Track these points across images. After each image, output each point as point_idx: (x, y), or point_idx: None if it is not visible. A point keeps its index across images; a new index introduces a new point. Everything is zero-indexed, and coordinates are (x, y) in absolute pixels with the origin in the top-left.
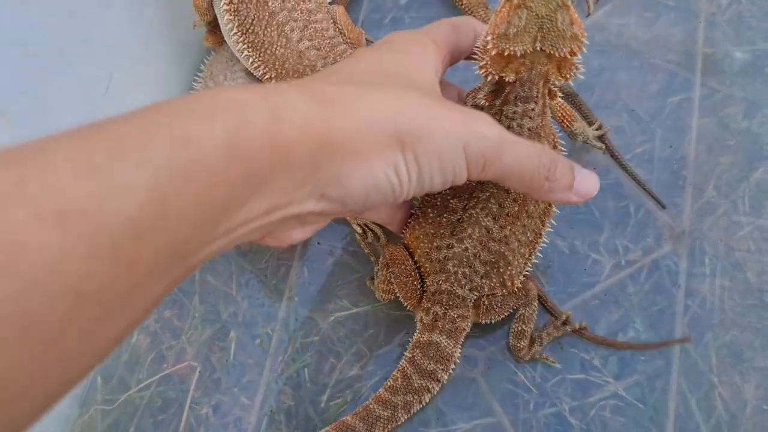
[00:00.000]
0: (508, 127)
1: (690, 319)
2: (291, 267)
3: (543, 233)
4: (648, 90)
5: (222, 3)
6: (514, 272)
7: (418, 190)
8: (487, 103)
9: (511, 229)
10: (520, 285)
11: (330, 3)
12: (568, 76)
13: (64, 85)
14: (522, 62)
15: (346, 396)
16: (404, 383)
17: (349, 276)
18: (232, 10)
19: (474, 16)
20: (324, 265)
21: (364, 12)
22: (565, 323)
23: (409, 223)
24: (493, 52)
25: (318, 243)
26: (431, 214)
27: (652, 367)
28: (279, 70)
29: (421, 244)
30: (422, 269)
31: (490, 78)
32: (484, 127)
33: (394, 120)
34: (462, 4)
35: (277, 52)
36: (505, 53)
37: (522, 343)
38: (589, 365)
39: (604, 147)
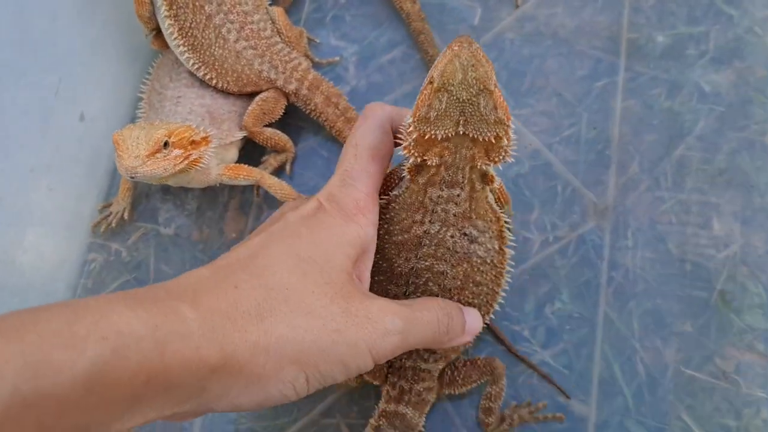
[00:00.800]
0: (433, 212)
1: (614, 289)
2: None
3: (499, 291)
4: (575, 75)
5: (163, 9)
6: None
7: (318, 389)
8: (411, 180)
9: (460, 297)
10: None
11: (270, 4)
12: (497, 159)
13: (16, 94)
14: (445, 146)
15: None
16: None
17: None
18: (171, 15)
19: (411, 25)
20: None
21: (306, 12)
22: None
23: None
24: (415, 135)
25: None
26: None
27: (577, 335)
28: (219, 70)
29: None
30: None
31: (412, 160)
32: (388, 324)
33: (295, 345)
34: (404, 12)
35: (215, 53)
36: (426, 137)
37: (490, 419)
38: (519, 336)
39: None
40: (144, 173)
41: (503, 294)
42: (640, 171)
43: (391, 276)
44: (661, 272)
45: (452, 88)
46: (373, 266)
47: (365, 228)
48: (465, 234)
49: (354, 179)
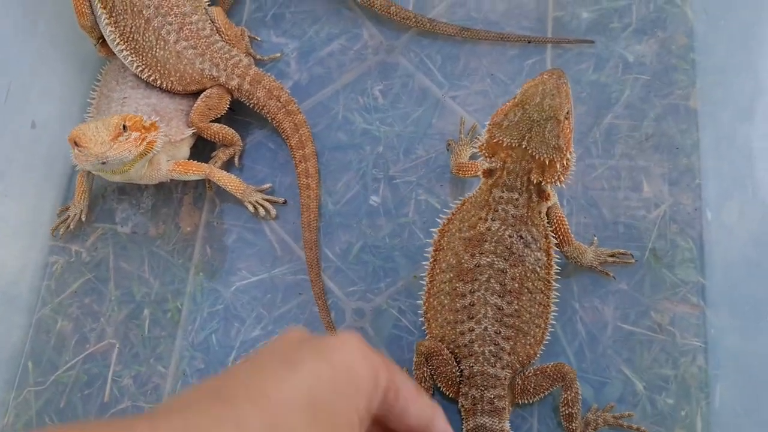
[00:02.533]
0: (495, 210)
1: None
2: (195, 247)
3: (551, 303)
4: (506, 55)
5: (103, 18)
6: (533, 341)
7: None
8: (483, 178)
9: (519, 303)
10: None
11: (209, 5)
12: (549, 180)
13: None
14: (509, 153)
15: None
16: None
17: (248, 249)
18: (112, 22)
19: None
20: (225, 242)
21: (247, 12)
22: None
23: (428, 314)
24: (487, 136)
25: (215, 224)
26: (446, 302)
27: None
28: (162, 71)
29: (447, 332)
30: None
31: (485, 163)
32: None
33: None
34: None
35: (157, 54)
36: (495, 140)
37: (574, 425)
38: None
39: (611, 275)
40: (113, 156)
41: (556, 322)
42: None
43: (459, 272)
44: (596, 235)
45: (528, 107)
46: (444, 264)
47: None
48: (521, 236)
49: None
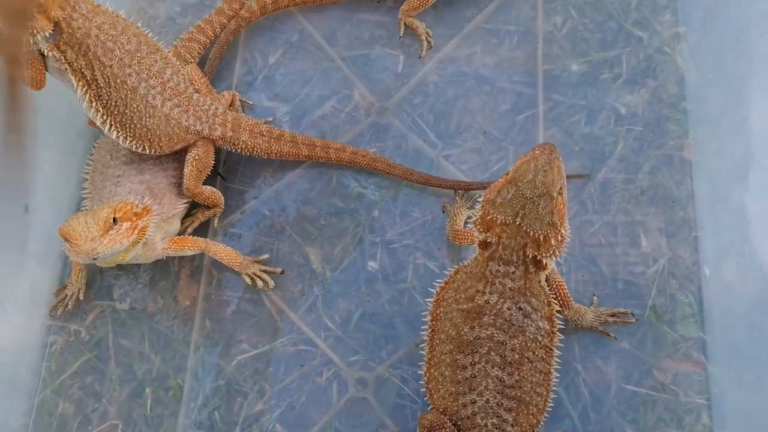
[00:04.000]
0: (492, 283)
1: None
2: (195, 320)
3: (552, 370)
4: (499, 110)
5: (84, 95)
6: (536, 410)
7: None
8: (478, 249)
9: (519, 374)
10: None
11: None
12: (545, 254)
13: None
14: (504, 229)
15: (254, 430)
16: None
17: (248, 321)
18: (94, 97)
19: None
20: (224, 315)
21: (237, 75)
22: None
23: (429, 385)
24: (480, 212)
25: (214, 296)
26: (447, 373)
27: None
28: (151, 139)
29: (449, 404)
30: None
31: (480, 236)
32: None
33: None
34: None
35: (147, 123)
36: (488, 217)
37: None
38: None
39: (612, 336)
40: (104, 251)
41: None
42: (568, 197)
43: (459, 344)
44: (595, 292)
45: (521, 184)
46: (443, 335)
47: None
48: (520, 308)
49: None
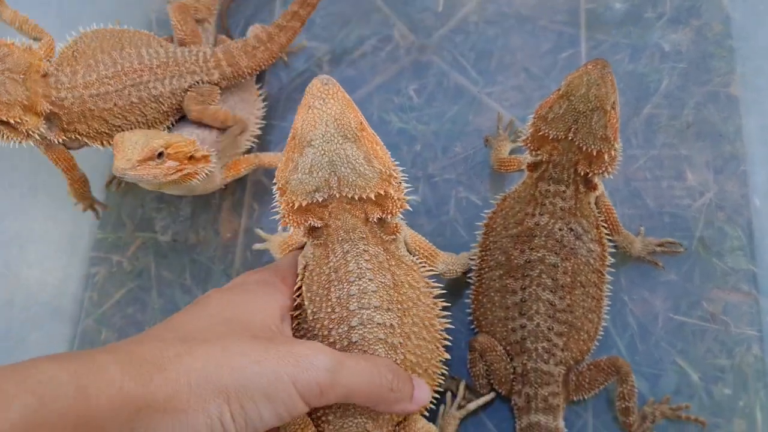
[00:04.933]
0: (542, 204)
1: None
2: (235, 253)
3: (604, 297)
4: (540, 50)
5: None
6: (586, 337)
7: (249, 429)
8: (527, 172)
9: (571, 298)
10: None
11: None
12: (596, 171)
13: None
14: (555, 146)
15: None
16: None
17: None
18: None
19: None
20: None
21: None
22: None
23: (477, 312)
24: (531, 129)
25: (254, 229)
26: (496, 299)
27: None
28: (175, 115)
29: (497, 330)
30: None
31: (530, 158)
32: (312, 358)
33: (216, 375)
34: None
35: (163, 109)
36: (540, 133)
37: (631, 418)
38: None
39: (661, 265)
40: (132, 177)
41: (607, 316)
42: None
43: (509, 269)
44: (639, 227)
45: (573, 98)
46: (493, 261)
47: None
48: (571, 229)
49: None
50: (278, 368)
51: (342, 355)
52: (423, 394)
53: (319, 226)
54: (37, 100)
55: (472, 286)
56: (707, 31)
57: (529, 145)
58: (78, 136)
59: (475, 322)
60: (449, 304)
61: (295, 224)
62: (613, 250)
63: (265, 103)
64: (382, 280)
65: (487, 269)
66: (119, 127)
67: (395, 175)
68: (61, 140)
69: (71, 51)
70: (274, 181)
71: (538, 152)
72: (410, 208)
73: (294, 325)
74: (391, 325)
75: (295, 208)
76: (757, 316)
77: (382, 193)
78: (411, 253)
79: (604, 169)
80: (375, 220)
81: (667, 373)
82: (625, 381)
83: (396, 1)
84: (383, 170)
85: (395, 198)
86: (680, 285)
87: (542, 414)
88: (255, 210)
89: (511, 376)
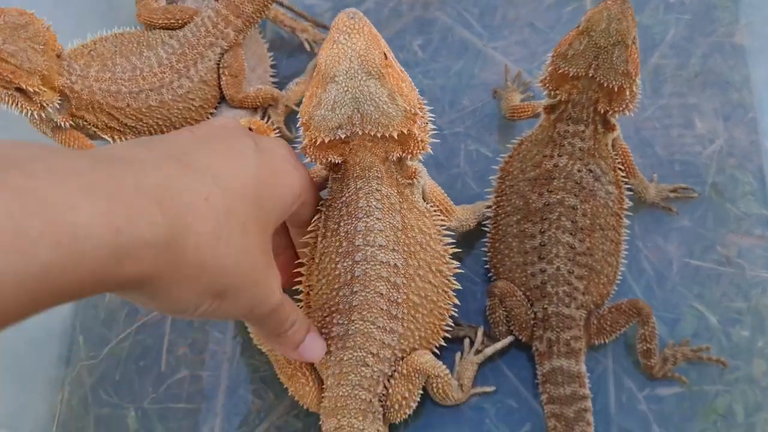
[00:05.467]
0: (561, 145)
1: None
2: None
3: (622, 241)
4: (544, 4)
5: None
6: (606, 281)
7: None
8: (544, 114)
9: (590, 241)
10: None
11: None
12: (617, 109)
13: None
14: (575, 84)
15: None
16: (563, 424)
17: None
18: (134, 136)
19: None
20: None
21: None
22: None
23: (494, 260)
24: (550, 68)
25: None
26: (514, 244)
27: None
28: (204, 109)
29: (516, 275)
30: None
31: (546, 93)
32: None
33: None
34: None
35: (191, 105)
36: (560, 71)
37: (652, 361)
38: None
39: (675, 210)
40: None
41: (624, 261)
42: None
43: (527, 213)
44: (652, 174)
45: (594, 33)
46: (510, 207)
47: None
48: (590, 170)
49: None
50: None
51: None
52: (313, 353)
53: (339, 162)
54: (53, 74)
55: (488, 234)
56: None
57: (547, 85)
58: (85, 124)
59: (492, 270)
60: (460, 251)
61: (316, 159)
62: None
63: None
64: (391, 221)
65: (503, 215)
66: (133, 127)
67: (421, 114)
68: (68, 124)
69: (88, 50)
70: (298, 115)
71: (557, 92)
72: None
73: (305, 257)
74: (395, 264)
75: (318, 143)
76: None
77: (406, 132)
78: (426, 200)
79: (624, 106)
80: (395, 159)
81: (685, 317)
82: (646, 323)
83: None
84: (408, 108)
85: (418, 138)
86: (694, 230)
87: (564, 358)
88: None
89: (532, 322)
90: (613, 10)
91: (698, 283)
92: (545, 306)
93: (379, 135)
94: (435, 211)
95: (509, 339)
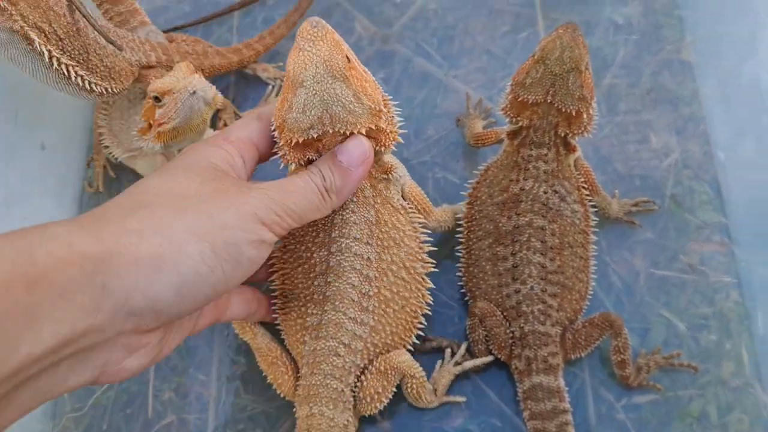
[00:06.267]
0: (525, 169)
1: None
2: None
3: (590, 257)
4: (499, 32)
5: (43, 48)
6: (578, 296)
7: (234, 267)
8: (507, 140)
9: (561, 259)
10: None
11: None
12: (576, 131)
13: None
14: (535, 110)
15: None
16: None
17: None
18: (56, 51)
19: None
20: None
21: (236, 19)
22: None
23: (469, 284)
24: (510, 97)
25: None
26: (487, 267)
27: None
28: (114, 78)
29: (492, 297)
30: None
31: (509, 126)
32: (266, 191)
33: (181, 219)
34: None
35: (107, 63)
36: (519, 99)
37: (627, 371)
38: None
39: (638, 224)
40: (201, 85)
41: (593, 277)
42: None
43: (497, 236)
44: (613, 190)
45: (549, 62)
46: (481, 231)
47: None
48: (555, 191)
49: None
50: (240, 198)
51: (280, 183)
52: (354, 154)
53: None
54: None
55: (462, 259)
56: (655, 2)
57: (508, 112)
58: (18, 17)
59: (468, 294)
60: (436, 249)
61: (295, 160)
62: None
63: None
64: (365, 215)
65: (475, 239)
66: (61, 39)
67: (385, 109)
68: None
69: None
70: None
71: (519, 118)
72: (402, 141)
73: (281, 246)
74: (368, 257)
75: (293, 144)
76: (733, 264)
77: (373, 127)
78: (405, 199)
79: (583, 128)
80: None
81: (655, 326)
82: (618, 334)
83: None
84: (373, 106)
85: (387, 131)
86: (657, 242)
87: (543, 375)
88: None
89: (510, 341)
90: (565, 38)
91: (665, 292)
92: (522, 325)
93: (348, 132)
94: (412, 209)
95: (489, 358)
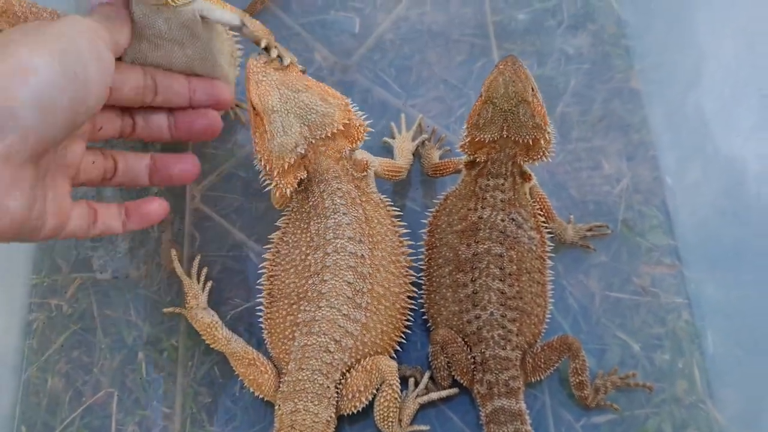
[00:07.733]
0: (483, 198)
1: None
2: (181, 282)
3: (547, 282)
4: (455, 61)
5: None
6: (537, 320)
7: (81, 72)
8: (466, 174)
9: (519, 285)
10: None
11: None
12: (536, 158)
13: None
14: (492, 146)
15: None
16: None
17: (235, 278)
18: None
19: None
20: (211, 275)
21: None
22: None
23: (431, 310)
24: (468, 138)
25: (201, 255)
26: (448, 294)
27: None
28: None
29: (453, 323)
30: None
31: (466, 158)
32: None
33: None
34: None
35: None
36: (477, 140)
37: (585, 392)
38: None
39: (592, 248)
40: None
41: (551, 300)
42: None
43: (457, 264)
44: (569, 216)
45: (496, 100)
46: (441, 259)
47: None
48: (512, 219)
49: None
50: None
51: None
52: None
53: (305, 177)
54: None
55: (423, 286)
56: (603, 33)
57: (467, 150)
58: None
59: (430, 320)
60: (413, 242)
61: (289, 186)
62: (549, 239)
63: None
64: (355, 214)
65: (436, 267)
66: None
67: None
68: None
69: None
70: (257, 159)
71: (477, 155)
72: (372, 129)
73: (274, 251)
74: (362, 255)
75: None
76: (683, 285)
77: (348, 121)
78: (382, 177)
79: (542, 153)
80: (347, 155)
81: (611, 347)
82: (576, 356)
83: (314, 25)
84: (339, 102)
85: (357, 125)
86: (611, 265)
87: (505, 398)
88: (197, 238)
89: (472, 366)
90: (507, 74)
91: (619, 314)
92: (483, 350)
93: (329, 134)
94: (390, 202)
95: (454, 390)
